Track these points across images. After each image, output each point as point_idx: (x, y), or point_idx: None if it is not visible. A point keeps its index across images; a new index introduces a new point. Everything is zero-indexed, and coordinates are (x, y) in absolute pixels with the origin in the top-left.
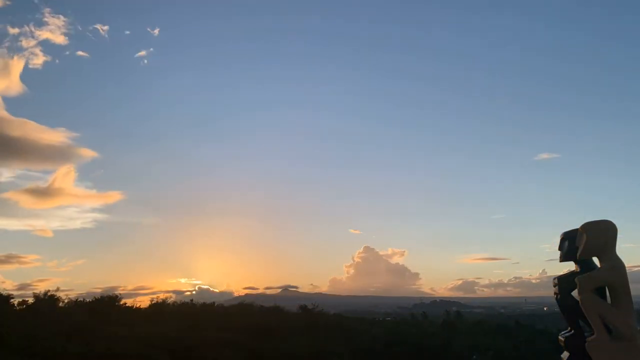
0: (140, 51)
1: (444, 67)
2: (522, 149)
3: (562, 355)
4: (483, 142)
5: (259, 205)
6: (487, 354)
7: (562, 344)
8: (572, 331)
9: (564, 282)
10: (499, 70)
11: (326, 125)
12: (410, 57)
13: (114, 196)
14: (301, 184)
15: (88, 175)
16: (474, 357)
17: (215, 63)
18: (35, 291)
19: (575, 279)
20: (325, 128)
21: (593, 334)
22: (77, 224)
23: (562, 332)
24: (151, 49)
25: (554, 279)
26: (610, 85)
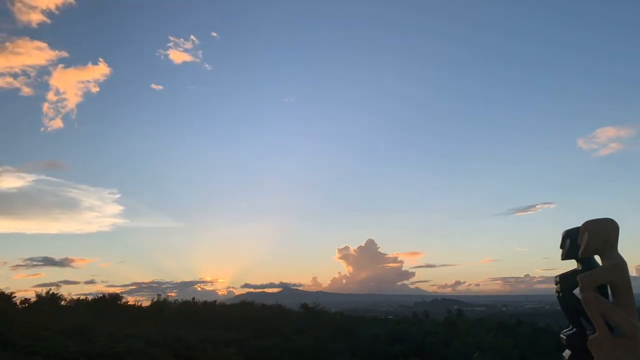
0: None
1: (443, 74)
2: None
3: (563, 354)
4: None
5: (259, 204)
6: (488, 352)
7: (564, 342)
8: (574, 329)
9: (566, 281)
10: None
11: (327, 125)
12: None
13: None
14: (302, 183)
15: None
16: (475, 355)
17: (213, 62)
18: (37, 290)
19: (577, 277)
20: (327, 129)
21: (595, 332)
22: (94, 228)
23: (564, 330)
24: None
25: (556, 277)
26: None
